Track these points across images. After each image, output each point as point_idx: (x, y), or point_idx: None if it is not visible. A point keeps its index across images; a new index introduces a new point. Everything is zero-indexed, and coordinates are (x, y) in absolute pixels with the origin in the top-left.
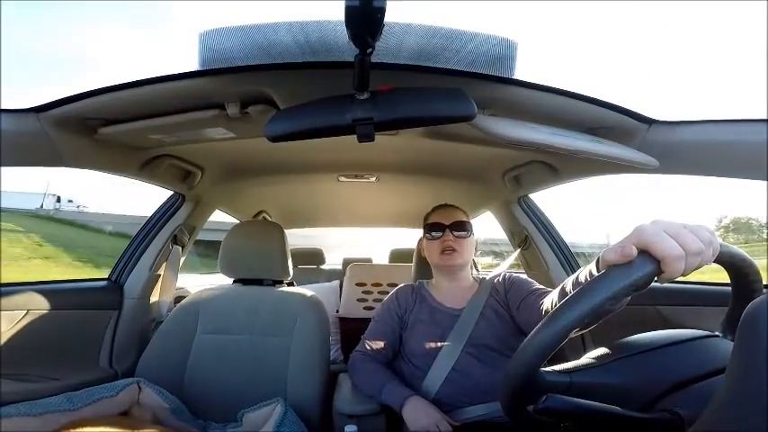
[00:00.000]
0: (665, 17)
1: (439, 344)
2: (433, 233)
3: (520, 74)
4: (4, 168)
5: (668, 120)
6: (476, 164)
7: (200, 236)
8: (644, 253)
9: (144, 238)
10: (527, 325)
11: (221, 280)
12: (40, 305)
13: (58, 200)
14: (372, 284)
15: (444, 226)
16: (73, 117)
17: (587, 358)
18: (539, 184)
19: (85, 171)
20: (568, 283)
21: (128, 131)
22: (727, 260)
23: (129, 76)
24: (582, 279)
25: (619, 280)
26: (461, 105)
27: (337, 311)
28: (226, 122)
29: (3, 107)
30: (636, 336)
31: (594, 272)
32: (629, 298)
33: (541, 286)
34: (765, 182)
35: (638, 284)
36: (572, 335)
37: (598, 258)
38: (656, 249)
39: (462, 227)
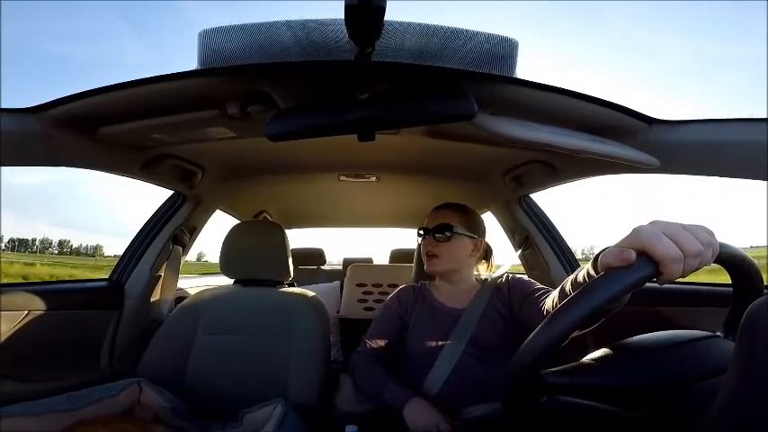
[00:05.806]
0: (666, 17)
1: (440, 344)
2: (420, 238)
3: (520, 73)
4: (3, 168)
5: (669, 119)
6: (476, 163)
7: None
8: (642, 255)
9: (144, 239)
10: (530, 325)
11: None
12: (41, 306)
13: None
14: (373, 285)
15: (428, 230)
16: (73, 117)
17: (588, 359)
18: (539, 183)
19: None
20: (568, 283)
21: (128, 131)
22: (727, 260)
23: (129, 75)
24: (580, 279)
25: (617, 283)
26: (462, 104)
27: (338, 312)
28: (226, 122)
29: (3, 107)
30: (637, 336)
31: (592, 272)
32: (629, 296)
33: (543, 286)
34: (765, 182)
35: (636, 286)
36: (572, 335)
37: (596, 257)
38: (654, 251)
39: (444, 229)
